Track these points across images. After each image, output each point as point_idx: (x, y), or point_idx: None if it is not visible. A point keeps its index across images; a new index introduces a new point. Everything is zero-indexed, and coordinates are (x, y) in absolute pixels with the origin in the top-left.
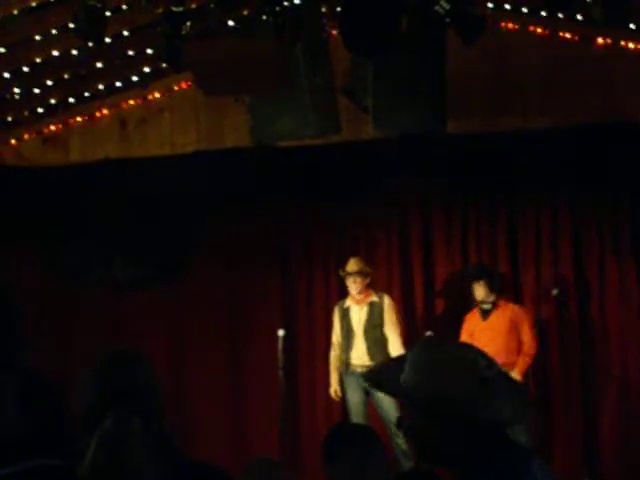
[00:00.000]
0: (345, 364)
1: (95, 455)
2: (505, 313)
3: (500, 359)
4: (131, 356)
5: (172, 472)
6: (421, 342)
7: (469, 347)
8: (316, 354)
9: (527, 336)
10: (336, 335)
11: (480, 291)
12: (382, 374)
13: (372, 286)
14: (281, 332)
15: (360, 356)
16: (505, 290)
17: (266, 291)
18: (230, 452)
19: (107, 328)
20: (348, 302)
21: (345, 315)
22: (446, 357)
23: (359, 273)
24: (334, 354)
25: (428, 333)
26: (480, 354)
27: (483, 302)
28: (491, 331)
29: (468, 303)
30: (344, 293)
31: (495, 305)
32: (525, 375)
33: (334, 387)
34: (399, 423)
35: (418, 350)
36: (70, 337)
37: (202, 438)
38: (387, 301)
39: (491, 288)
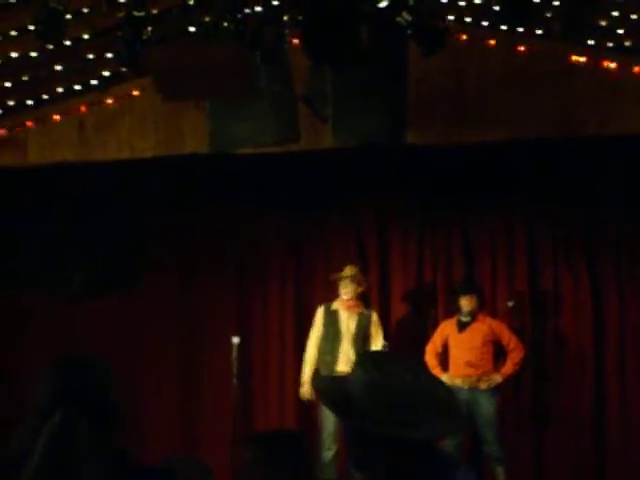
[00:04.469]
0: (328, 369)
1: (41, 449)
2: (481, 327)
3: (473, 370)
4: (85, 358)
5: (115, 474)
6: (363, 359)
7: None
8: (270, 362)
9: (508, 336)
10: (317, 335)
11: (468, 303)
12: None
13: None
14: (236, 340)
15: (346, 364)
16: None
17: (221, 298)
18: None
19: (60, 338)
20: (336, 305)
21: (333, 318)
22: (378, 377)
23: (352, 278)
24: (311, 353)
25: (385, 343)
26: (416, 371)
27: (468, 314)
28: (465, 343)
29: (423, 316)
30: (300, 301)
31: (474, 319)
32: (517, 370)
33: (307, 387)
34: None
35: (360, 367)
36: (23, 346)
37: (155, 445)
38: (375, 317)
39: (478, 301)
